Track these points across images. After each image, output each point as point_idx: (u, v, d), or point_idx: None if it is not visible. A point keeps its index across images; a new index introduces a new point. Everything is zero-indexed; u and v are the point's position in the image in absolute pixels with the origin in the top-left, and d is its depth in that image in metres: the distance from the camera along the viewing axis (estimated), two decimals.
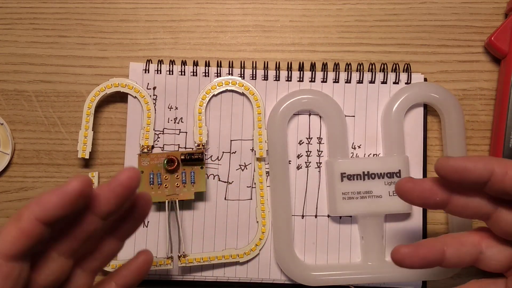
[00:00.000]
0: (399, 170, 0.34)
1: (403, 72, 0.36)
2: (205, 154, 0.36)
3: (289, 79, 0.36)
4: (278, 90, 0.36)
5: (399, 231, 0.35)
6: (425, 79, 0.36)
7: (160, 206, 0.36)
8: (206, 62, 0.36)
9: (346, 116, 0.36)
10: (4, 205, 0.36)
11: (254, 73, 0.36)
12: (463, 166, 0.23)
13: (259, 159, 0.35)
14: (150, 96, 0.36)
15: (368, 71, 0.36)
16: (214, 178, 0.36)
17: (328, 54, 0.37)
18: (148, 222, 0.35)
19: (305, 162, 0.36)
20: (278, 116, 0.35)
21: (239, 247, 0.35)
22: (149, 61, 0.36)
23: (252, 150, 0.36)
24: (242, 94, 0.36)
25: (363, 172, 0.34)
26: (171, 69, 0.36)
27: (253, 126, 0.36)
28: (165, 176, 0.34)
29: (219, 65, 0.36)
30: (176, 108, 0.36)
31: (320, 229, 0.36)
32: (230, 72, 0.36)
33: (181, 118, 0.36)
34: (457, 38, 0.37)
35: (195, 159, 0.34)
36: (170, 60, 0.36)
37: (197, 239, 0.35)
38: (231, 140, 0.36)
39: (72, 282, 0.25)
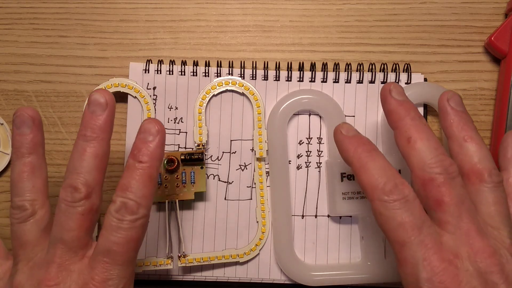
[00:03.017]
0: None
1: (403, 72, 0.36)
2: (205, 154, 0.36)
3: (289, 79, 0.36)
4: (278, 90, 0.36)
5: None
6: (425, 79, 0.36)
7: (160, 206, 0.36)
8: (206, 62, 0.36)
9: (346, 116, 0.36)
10: (4, 205, 0.36)
11: (254, 73, 0.36)
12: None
13: (259, 159, 0.35)
14: (150, 96, 0.36)
15: (368, 71, 0.36)
16: (214, 178, 0.36)
17: (328, 54, 0.37)
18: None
19: (305, 162, 0.36)
20: (278, 116, 0.35)
21: (239, 247, 0.35)
22: (149, 61, 0.36)
23: (252, 150, 0.36)
24: (242, 94, 0.36)
25: None
26: (171, 69, 0.36)
27: (253, 126, 0.36)
28: (165, 176, 0.34)
29: (219, 65, 0.36)
30: (176, 108, 0.36)
31: (320, 229, 0.36)
32: (230, 72, 0.36)
33: (181, 118, 0.36)
34: (457, 38, 0.37)
35: (195, 159, 0.34)
36: (170, 60, 0.36)
37: (197, 239, 0.35)
38: (231, 140, 0.36)
39: None
